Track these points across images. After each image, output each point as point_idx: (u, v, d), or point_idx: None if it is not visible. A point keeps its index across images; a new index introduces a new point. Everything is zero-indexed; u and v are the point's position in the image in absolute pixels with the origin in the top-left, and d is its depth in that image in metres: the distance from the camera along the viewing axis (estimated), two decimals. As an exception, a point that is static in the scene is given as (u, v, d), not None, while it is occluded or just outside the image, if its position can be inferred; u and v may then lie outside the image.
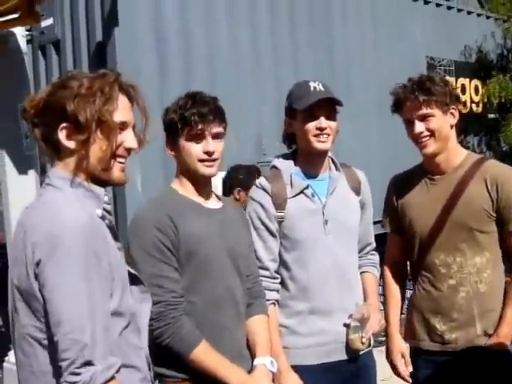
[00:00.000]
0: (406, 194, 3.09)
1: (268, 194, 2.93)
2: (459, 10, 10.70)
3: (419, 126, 2.94)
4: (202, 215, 2.65)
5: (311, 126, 2.90)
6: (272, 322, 2.86)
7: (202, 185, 2.71)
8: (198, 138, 2.62)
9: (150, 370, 2.09)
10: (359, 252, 3.12)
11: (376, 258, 3.20)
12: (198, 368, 2.50)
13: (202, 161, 2.62)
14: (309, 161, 3.00)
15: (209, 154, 2.62)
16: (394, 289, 3.25)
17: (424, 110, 2.93)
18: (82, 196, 1.92)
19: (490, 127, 10.88)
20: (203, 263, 2.58)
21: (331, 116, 2.94)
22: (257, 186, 2.99)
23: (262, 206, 2.93)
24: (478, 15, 11.28)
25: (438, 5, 10.21)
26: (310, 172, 3.00)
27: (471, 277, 2.93)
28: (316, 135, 2.90)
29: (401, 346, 3.19)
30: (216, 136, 2.65)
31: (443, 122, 2.95)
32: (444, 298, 2.97)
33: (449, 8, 10.50)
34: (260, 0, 7.50)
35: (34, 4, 4.12)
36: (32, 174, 4.89)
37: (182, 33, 6.71)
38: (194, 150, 2.62)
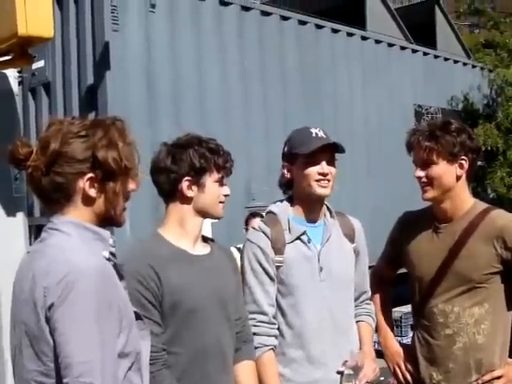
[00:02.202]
0: (412, 236, 3.07)
1: (268, 237, 2.92)
2: (446, 59, 10.88)
3: (418, 172, 2.94)
4: (187, 263, 2.62)
5: (313, 170, 2.90)
6: (271, 368, 2.83)
7: (202, 222, 2.72)
8: (220, 182, 2.66)
9: None
10: (355, 300, 3.10)
11: (372, 307, 3.18)
12: None
13: (220, 202, 2.68)
14: (305, 207, 3.00)
15: (226, 196, 2.69)
16: (382, 298, 3.26)
17: (425, 157, 2.93)
18: (89, 239, 1.94)
19: (476, 175, 10.95)
20: (187, 313, 2.54)
21: (332, 162, 2.94)
22: (256, 230, 2.98)
23: (261, 249, 2.91)
24: (465, 64, 11.46)
25: (425, 53, 10.38)
26: (306, 218, 3.00)
27: (468, 327, 2.90)
28: (317, 180, 2.90)
29: (397, 348, 3.17)
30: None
31: (446, 171, 2.93)
32: (440, 348, 2.94)
33: (436, 57, 10.67)
34: (251, 49, 7.62)
35: (26, 46, 4.15)
36: (20, 216, 4.86)
37: (173, 77, 6.78)
38: (218, 191, 2.66)
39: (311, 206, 2.98)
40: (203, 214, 2.66)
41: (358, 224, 3.15)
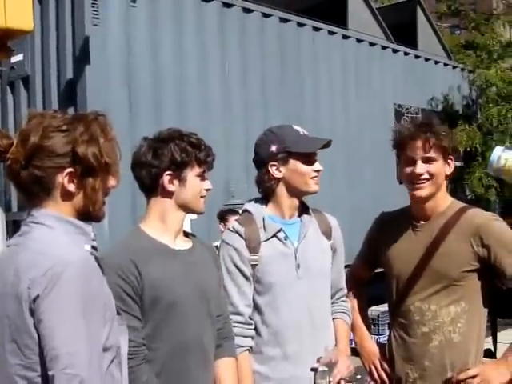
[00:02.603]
0: (390, 236, 3.07)
1: (242, 237, 2.91)
2: (427, 59, 10.93)
3: (421, 167, 2.90)
4: (168, 258, 2.60)
5: (310, 169, 2.93)
6: (246, 369, 2.83)
7: (184, 217, 2.71)
8: (203, 175, 2.67)
9: None
10: (331, 297, 3.10)
11: (348, 304, 3.18)
12: None
13: (202, 197, 2.68)
14: (284, 204, 2.99)
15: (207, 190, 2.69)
16: (358, 297, 3.27)
17: (430, 153, 2.89)
18: (71, 232, 1.93)
19: (454, 175, 11.00)
20: (168, 309, 2.53)
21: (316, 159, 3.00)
22: (230, 230, 2.97)
23: (235, 249, 2.90)
24: (445, 65, 11.52)
25: (406, 53, 10.42)
26: (283, 215, 3.00)
27: (445, 326, 2.91)
28: (313, 177, 2.94)
29: (373, 348, 3.17)
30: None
31: (442, 168, 2.95)
32: (416, 346, 2.95)
33: (416, 57, 10.71)
34: (232, 45, 7.62)
35: (5, 39, 4.11)
36: (-4, 210, 4.83)
37: (153, 72, 6.76)
38: (200, 186, 2.66)
39: (291, 204, 2.98)
40: (184, 208, 2.65)
41: (335, 221, 3.15)
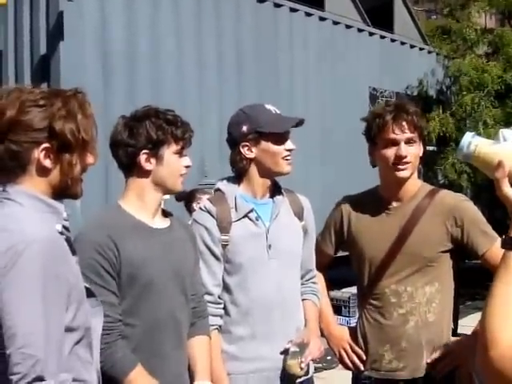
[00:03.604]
0: (359, 219, 3.07)
1: (213, 216, 2.91)
2: (402, 43, 10.96)
3: (405, 149, 2.92)
4: (146, 236, 2.60)
5: (282, 148, 2.92)
6: (215, 348, 2.83)
7: (161, 197, 2.70)
8: (182, 153, 2.66)
9: None
10: (301, 279, 3.12)
11: (318, 286, 3.20)
12: None
13: (181, 175, 2.67)
14: (256, 184, 2.98)
15: (187, 167, 2.68)
16: (321, 281, 3.28)
17: (412, 134, 2.92)
18: (42, 211, 1.91)
19: (427, 160, 11.09)
20: (145, 286, 2.54)
21: (289, 138, 2.98)
22: (201, 209, 2.96)
23: (206, 229, 2.90)
24: (421, 49, 11.56)
25: (382, 37, 10.44)
26: (255, 195, 3.00)
27: (421, 306, 2.95)
28: (284, 157, 2.93)
29: (341, 332, 3.19)
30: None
31: (419, 150, 2.98)
32: (392, 328, 2.97)
33: (392, 41, 10.74)
34: (206, 21, 7.58)
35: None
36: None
37: (128, 49, 6.70)
38: (179, 163, 2.64)
39: (263, 184, 2.98)
40: (162, 187, 2.65)
41: (307, 202, 3.17)
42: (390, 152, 2.91)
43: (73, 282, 1.89)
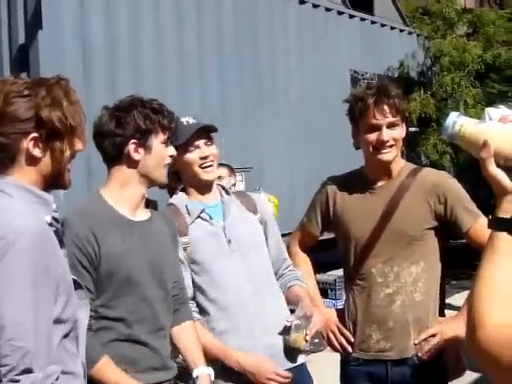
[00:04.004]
0: (344, 199, 3.08)
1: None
2: (383, 25, 10.95)
3: (387, 134, 2.92)
4: (127, 230, 2.60)
5: (194, 157, 2.95)
6: (203, 336, 2.87)
7: (145, 191, 2.69)
8: (167, 142, 2.69)
9: (85, 377, 2.07)
10: (278, 271, 3.15)
11: (299, 273, 3.22)
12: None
13: (201, 166, 2.77)
14: (198, 191, 3.04)
15: (204, 158, 2.78)
16: (304, 261, 3.29)
17: (395, 118, 2.93)
18: (31, 202, 1.91)
19: (409, 141, 11.12)
20: (124, 281, 2.54)
21: (210, 142, 2.99)
22: None
23: None
24: (401, 31, 11.57)
25: (362, 19, 10.43)
26: (202, 201, 3.03)
27: (407, 286, 2.97)
28: (201, 165, 2.95)
29: (328, 314, 3.20)
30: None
31: (402, 132, 2.99)
32: (379, 308, 2.99)
33: (373, 23, 10.73)
34: (186, 8, 7.52)
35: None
36: None
37: (107, 38, 6.65)
38: (165, 152, 2.66)
39: (203, 190, 3.03)
40: (147, 178, 2.64)
41: (259, 197, 3.31)
42: (372, 136, 2.92)
43: (61, 274, 1.89)
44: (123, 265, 2.53)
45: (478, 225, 2.91)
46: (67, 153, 1.96)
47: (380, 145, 2.92)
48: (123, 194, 2.62)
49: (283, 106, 8.45)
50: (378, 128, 2.91)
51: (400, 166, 3.05)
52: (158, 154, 2.62)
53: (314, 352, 6.10)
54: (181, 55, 7.40)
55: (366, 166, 3.10)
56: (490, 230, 1.50)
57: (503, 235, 1.47)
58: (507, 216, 1.48)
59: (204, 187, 3.03)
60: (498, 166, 1.54)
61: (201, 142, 2.95)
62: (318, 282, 3.46)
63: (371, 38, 10.45)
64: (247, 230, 3.06)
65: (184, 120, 2.99)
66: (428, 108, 10.77)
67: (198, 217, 2.98)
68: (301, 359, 3.07)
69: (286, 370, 2.94)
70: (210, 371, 2.74)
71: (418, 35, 11.79)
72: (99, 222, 2.54)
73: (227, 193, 3.12)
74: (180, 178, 3.07)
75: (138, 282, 2.57)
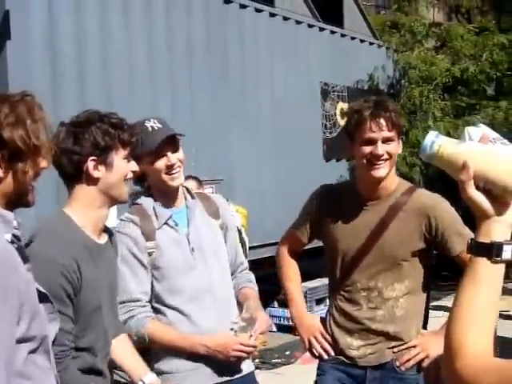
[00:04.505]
0: (336, 211, 3.06)
1: (136, 225, 2.93)
2: (352, 38, 11.02)
3: (382, 148, 2.89)
4: (96, 255, 2.52)
5: (161, 165, 2.91)
6: (165, 328, 2.91)
7: (108, 211, 2.61)
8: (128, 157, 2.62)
9: None
10: (233, 273, 3.19)
11: (252, 276, 3.27)
12: None
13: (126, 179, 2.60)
14: (164, 195, 3.02)
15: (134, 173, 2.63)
16: (289, 264, 3.28)
17: (390, 133, 2.91)
18: None
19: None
20: (93, 309, 2.48)
21: (177, 149, 2.96)
22: (123, 220, 2.97)
23: (131, 238, 2.92)
24: (371, 44, 11.65)
25: (332, 32, 10.48)
26: (167, 206, 3.01)
27: (389, 301, 2.99)
28: (168, 173, 2.92)
29: (313, 320, 3.21)
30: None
31: (397, 148, 2.97)
32: (361, 318, 3.01)
33: (342, 35, 10.79)
34: (157, 22, 7.49)
35: None
36: None
37: (77, 47, 6.59)
38: (126, 168, 2.58)
39: (169, 195, 3.02)
40: (109, 196, 2.54)
41: (221, 200, 3.28)
42: (367, 149, 2.90)
43: (25, 293, 1.82)
44: (96, 293, 2.48)
45: (464, 255, 2.92)
46: (30, 173, 1.89)
47: (374, 159, 2.89)
48: (88, 214, 2.52)
49: (253, 118, 8.45)
50: (373, 142, 2.89)
51: (395, 183, 3.04)
52: (119, 170, 2.53)
53: (284, 364, 6.11)
54: (151, 66, 7.37)
55: (358, 182, 3.09)
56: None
57: (483, 260, 1.42)
58: (487, 240, 1.43)
59: (170, 193, 3.01)
60: (478, 188, 1.46)
61: (167, 150, 2.91)
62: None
63: (341, 51, 10.51)
64: (209, 236, 3.07)
65: (149, 125, 2.94)
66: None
67: (165, 223, 2.97)
68: (248, 368, 3.09)
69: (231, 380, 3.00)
70: (155, 377, 2.76)
71: (387, 48, 11.88)
72: (77, 248, 2.44)
73: (191, 196, 3.11)
74: (143, 181, 3.04)
75: (102, 310, 2.52)
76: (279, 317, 7.06)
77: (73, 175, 2.52)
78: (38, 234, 2.47)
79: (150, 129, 2.93)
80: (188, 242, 2.99)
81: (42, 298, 1.99)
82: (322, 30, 10.26)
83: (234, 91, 8.35)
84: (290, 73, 9.34)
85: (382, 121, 2.88)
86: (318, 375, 3.17)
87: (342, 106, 10.38)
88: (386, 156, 2.90)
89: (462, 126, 10.60)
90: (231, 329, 2.97)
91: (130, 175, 2.58)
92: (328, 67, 10.13)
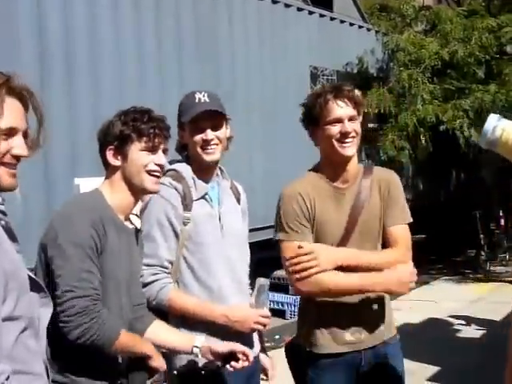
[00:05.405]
0: (316, 203, 3.04)
1: (179, 193, 2.97)
2: (342, 22, 11.00)
3: (350, 126, 2.95)
4: (120, 232, 2.63)
5: (198, 138, 2.98)
6: (187, 297, 2.94)
7: (135, 199, 2.70)
8: (152, 149, 2.64)
9: (48, 376, 2.02)
10: None
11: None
12: (124, 352, 2.57)
13: (149, 172, 2.64)
14: (200, 169, 3.06)
15: (160, 166, 2.66)
16: None
17: (354, 111, 2.98)
18: None
19: (369, 137, 11.22)
20: (110, 280, 2.56)
21: (218, 126, 3.01)
22: (166, 185, 2.96)
23: (172, 205, 2.96)
24: (360, 27, 11.64)
25: (321, 15, 10.46)
26: (202, 179, 3.06)
27: None
28: (202, 147, 2.98)
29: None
30: (164, 152, 2.71)
31: (360, 127, 3.03)
32: (352, 303, 3.03)
33: (332, 19, 10.77)
34: (146, 12, 7.45)
35: None
36: None
37: (65, 41, 6.53)
38: (147, 159, 2.63)
39: (205, 169, 3.07)
40: (130, 184, 2.65)
41: (241, 187, 3.33)
42: (335, 129, 2.95)
43: (9, 272, 1.82)
44: (115, 265, 2.57)
45: (401, 227, 3.01)
46: None
47: (343, 137, 2.95)
48: (115, 197, 2.65)
49: (242, 102, 8.44)
50: (340, 120, 2.95)
51: (357, 166, 3.11)
52: (136, 161, 2.63)
53: (273, 348, 6.15)
54: (139, 55, 7.31)
55: (324, 168, 3.10)
56: None
57: None
58: None
59: (206, 167, 3.06)
60: None
61: (207, 125, 2.98)
62: (279, 278, 3.48)
63: (331, 35, 10.50)
64: (235, 221, 3.15)
65: (197, 96, 3.02)
66: (385, 103, 10.85)
67: (203, 197, 3.03)
68: (257, 348, 3.18)
69: None
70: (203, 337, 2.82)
71: (376, 31, 11.87)
72: (104, 213, 2.57)
73: (223, 175, 3.19)
74: (186, 151, 3.10)
75: (120, 287, 2.61)
76: (271, 301, 7.11)
77: (103, 161, 2.69)
78: (71, 201, 2.70)
79: (197, 100, 3.01)
80: (219, 218, 3.05)
81: (34, 284, 1.99)
82: (311, 13, 10.24)
83: (222, 75, 8.34)
84: (279, 57, 9.33)
85: (346, 99, 2.96)
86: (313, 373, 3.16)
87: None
88: (353, 133, 2.96)
89: (451, 109, 10.63)
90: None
91: (153, 167, 2.65)
92: (317, 51, 10.13)
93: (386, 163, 10.72)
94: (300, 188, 3.07)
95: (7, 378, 1.75)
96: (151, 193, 2.76)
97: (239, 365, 2.75)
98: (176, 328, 2.91)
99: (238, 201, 3.24)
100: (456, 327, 8.14)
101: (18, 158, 1.94)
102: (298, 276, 2.92)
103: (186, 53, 7.90)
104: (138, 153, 2.63)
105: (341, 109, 2.95)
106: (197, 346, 2.77)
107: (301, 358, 3.16)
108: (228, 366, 2.76)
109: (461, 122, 10.55)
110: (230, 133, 3.12)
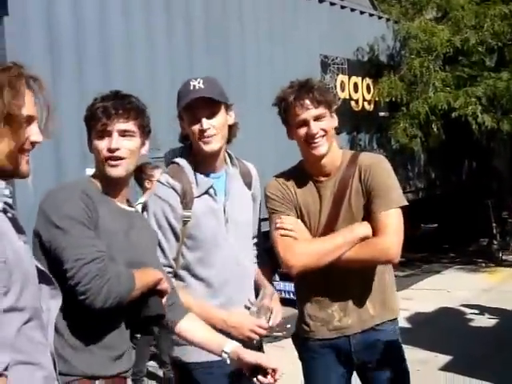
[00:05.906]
0: (300, 197, 3.13)
1: (177, 193, 2.91)
2: (352, 10, 10.94)
3: (315, 126, 2.99)
4: (114, 213, 2.57)
5: (194, 128, 2.90)
6: (183, 296, 2.87)
7: (115, 185, 2.61)
8: (103, 134, 2.53)
9: (55, 367, 2.02)
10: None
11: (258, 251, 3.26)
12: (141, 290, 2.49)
13: (106, 159, 2.53)
14: (202, 159, 3.00)
15: (110, 150, 2.52)
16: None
17: (319, 111, 2.99)
18: None
19: (380, 125, 11.18)
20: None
21: (214, 114, 2.91)
22: (163, 184, 2.94)
23: (170, 206, 2.91)
24: (371, 15, 11.57)
25: (331, 4, 10.41)
26: (207, 170, 2.99)
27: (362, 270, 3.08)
28: (200, 137, 2.90)
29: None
30: (123, 133, 2.55)
31: (331, 122, 3.05)
32: (338, 290, 3.09)
33: (342, 7, 10.71)
34: (156, 4, 7.43)
35: None
36: None
37: (75, 26, 6.54)
38: (99, 146, 2.54)
39: (207, 159, 3.00)
40: (102, 174, 2.60)
41: (254, 170, 3.25)
42: (302, 131, 3.02)
43: (13, 263, 1.82)
44: (106, 242, 2.48)
45: (384, 213, 2.97)
46: (11, 142, 1.87)
47: (310, 138, 3.00)
48: (100, 183, 2.61)
49: (253, 92, 8.41)
50: (305, 122, 3.00)
51: (339, 156, 3.12)
52: (94, 152, 2.60)
53: (285, 337, 6.15)
54: (150, 46, 7.31)
55: (305, 164, 3.18)
56: None
57: None
58: None
59: (208, 157, 2.98)
60: None
61: (202, 113, 2.88)
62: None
63: (341, 23, 10.44)
64: (243, 212, 3.08)
65: (192, 83, 2.91)
66: (396, 91, 10.80)
67: (206, 192, 2.97)
68: None
69: None
70: (236, 343, 2.72)
71: (387, 19, 11.80)
72: (93, 195, 2.51)
73: (233, 162, 3.11)
74: (187, 140, 3.04)
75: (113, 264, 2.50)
76: (280, 290, 7.08)
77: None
78: (54, 188, 2.62)
79: (191, 87, 2.91)
80: (224, 212, 2.99)
81: (43, 275, 2.00)
82: (321, 1, 10.19)
83: (233, 65, 8.31)
84: (290, 46, 9.29)
85: (307, 101, 2.99)
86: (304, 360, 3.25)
87: (342, 78, 10.34)
88: (321, 133, 3.00)
89: (463, 97, 10.56)
90: (245, 306, 3.00)
91: (106, 154, 2.55)
92: (327, 39, 10.07)
93: (397, 151, 10.68)
94: (282, 181, 3.18)
95: (6, 369, 1.75)
96: (121, 180, 2.61)
97: (266, 380, 2.60)
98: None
99: (249, 186, 3.16)
100: (468, 316, 8.11)
101: (34, 144, 1.96)
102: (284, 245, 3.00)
103: (197, 43, 7.88)
104: (94, 141, 2.57)
105: (304, 111, 2.99)
106: (226, 352, 2.66)
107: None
108: (255, 379, 2.63)
109: (473, 109, 10.46)
110: (234, 119, 3.05)
